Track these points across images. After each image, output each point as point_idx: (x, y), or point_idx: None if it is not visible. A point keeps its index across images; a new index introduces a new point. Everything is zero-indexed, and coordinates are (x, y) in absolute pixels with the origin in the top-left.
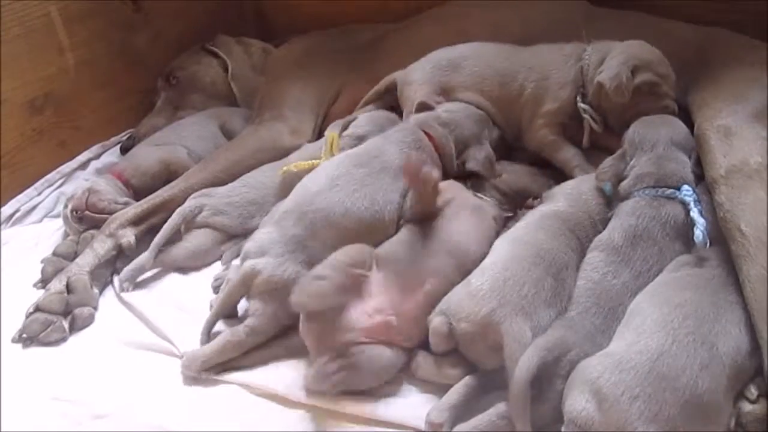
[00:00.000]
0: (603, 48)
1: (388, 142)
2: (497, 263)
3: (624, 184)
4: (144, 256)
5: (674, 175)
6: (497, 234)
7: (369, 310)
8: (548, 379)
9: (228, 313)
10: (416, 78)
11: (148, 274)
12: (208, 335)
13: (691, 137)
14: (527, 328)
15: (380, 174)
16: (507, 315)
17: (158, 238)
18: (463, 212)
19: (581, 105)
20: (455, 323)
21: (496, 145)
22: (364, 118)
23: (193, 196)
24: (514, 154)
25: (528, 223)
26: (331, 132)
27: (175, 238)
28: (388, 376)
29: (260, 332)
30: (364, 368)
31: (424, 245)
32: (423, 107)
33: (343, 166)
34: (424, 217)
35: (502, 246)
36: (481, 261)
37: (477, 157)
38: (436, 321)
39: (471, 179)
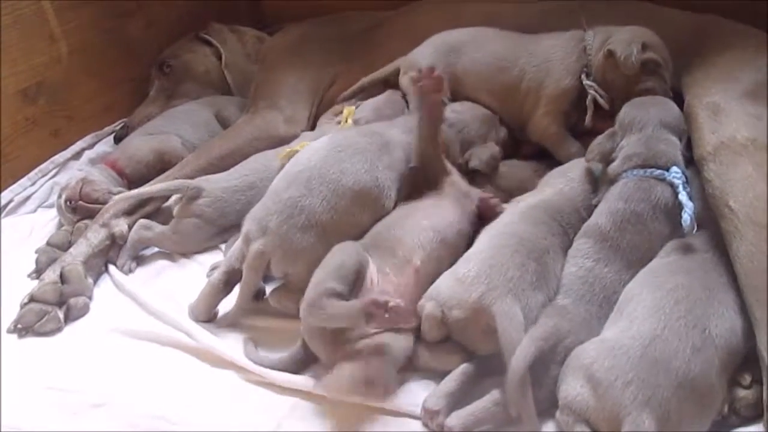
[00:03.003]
0: (605, 31)
1: (394, 126)
2: (482, 252)
3: (613, 165)
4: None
5: (663, 156)
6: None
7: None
8: (544, 365)
9: (253, 292)
10: (420, 64)
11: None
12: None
13: (683, 120)
14: (518, 308)
15: (382, 149)
16: (497, 297)
17: (144, 190)
18: (450, 192)
19: (587, 82)
20: (447, 311)
21: (504, 144)
22: (368, 105)
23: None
24: (523, 148)
25: (511, 213)
26: (349, 107)
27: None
28: (404, 360)
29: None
30: (382, 357)
31: (406, 220)
32: None
33: (345, 135)
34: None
35: (485, 238)
36: (463, 238)
37: (480, 157)
38: (428, 306)
39: (473, 176)
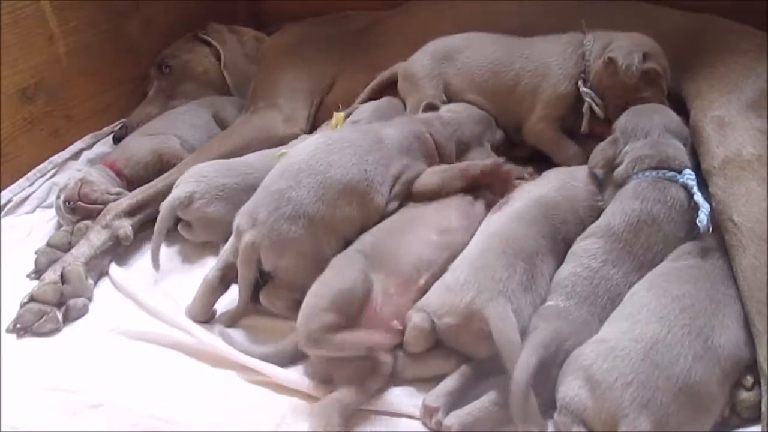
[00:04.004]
0: (605, 36)
1: (389, 125)
2: (469, 257)
3: (620, 169)
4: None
5: (675, 159)
6: None
7: (378, 322)
8: (545, 369)
9: (252, 286)
10: (415, 71)
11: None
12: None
13: (684, 125)
14: (509, 309)
15: (374, 144)
16: (487, 300)
17: (154, 243)
18: (456, 204)
19: (584, 89)
20: (437, 319)
21: (498, 147)
22: (368, 106)
23: (181, 179)
24: (516, 149)
25: (506, 212)
26: (338, 113)
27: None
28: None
29: (297, 288)
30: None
31: (412, 233)
32: (430, 108)
33: (339, 132)
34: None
35: (474, 242)
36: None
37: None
38: (417, 318)
39: None
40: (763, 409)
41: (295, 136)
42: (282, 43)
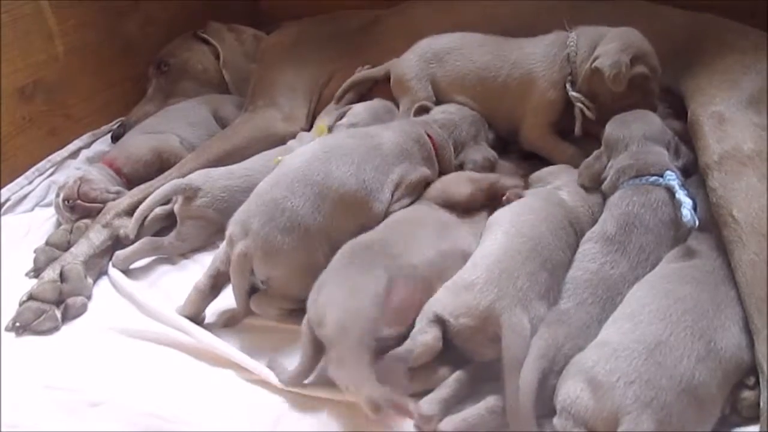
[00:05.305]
0: (591, 33)
1: (388, 128)
2: (490, 256)
3: (606, 183)
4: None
5: (655, 164)
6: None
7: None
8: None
9: (247, 294)
10: (405, 71)
11: (140, 263)
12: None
13: (666, 129)
14: (526, 321)
15: (372, 151)
16: (506, 307)
17: (143, 206)
18: (484, 217)
19: (573, 93)
20: (453, 320)
21: (493, 146)
22: (361, 107)
23: (190, 176)
24: (509, 147)
25: (533, 208)
26: (320, 123)
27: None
28: None
29: (290, 297)
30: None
31: (437, 239)
32: (422, 110)
33: (335, 138)
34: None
35: (496, 237)
36: None
37: (475, 159)
38: (429, 336)
39: None
40: (762, 405)
41: (295, 135)
42: (281, 41)
